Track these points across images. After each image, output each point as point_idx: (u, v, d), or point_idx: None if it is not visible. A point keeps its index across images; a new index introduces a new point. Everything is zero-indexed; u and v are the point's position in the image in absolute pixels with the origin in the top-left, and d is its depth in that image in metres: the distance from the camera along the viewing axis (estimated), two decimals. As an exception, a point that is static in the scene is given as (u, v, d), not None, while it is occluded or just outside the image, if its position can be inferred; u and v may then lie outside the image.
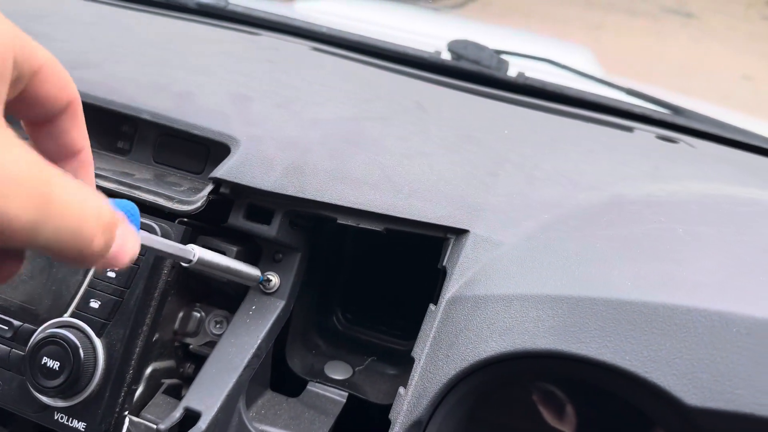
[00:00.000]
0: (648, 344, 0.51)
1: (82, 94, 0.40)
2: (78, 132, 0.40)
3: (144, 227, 0.67)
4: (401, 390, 0.60)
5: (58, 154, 0.40)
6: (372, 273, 0.94)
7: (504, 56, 1.16)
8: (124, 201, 0.41)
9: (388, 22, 1.52)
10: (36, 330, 0.66)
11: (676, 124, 1.04)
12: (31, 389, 0.64)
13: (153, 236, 0.50)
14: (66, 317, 0.67)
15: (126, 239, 0.35)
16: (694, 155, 0.91)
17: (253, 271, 0.70)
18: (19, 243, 0.28)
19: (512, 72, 1.11)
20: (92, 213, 0.31)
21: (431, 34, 1.27)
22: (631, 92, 1.15)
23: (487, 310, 0.59)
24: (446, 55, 1.16)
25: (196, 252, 0.56)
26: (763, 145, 1.01)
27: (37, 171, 0.29)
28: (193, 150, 0.77)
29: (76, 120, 0.39)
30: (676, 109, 1.09)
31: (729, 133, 1.03)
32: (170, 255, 0.52)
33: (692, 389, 0.48)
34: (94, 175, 0.42)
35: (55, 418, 0.66)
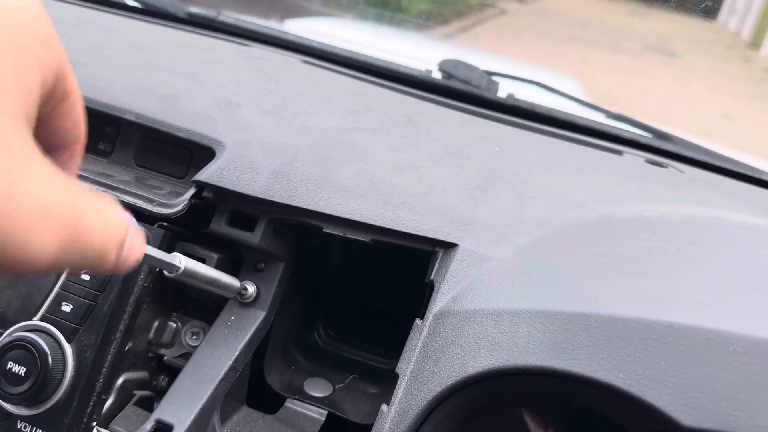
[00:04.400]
0: (642, 362, 0.49)
1: None
2: (74, 123, 0.37)
3: None
4: (384, 407, 0.57)
5: (51, 145, 0.37)
6: (356, 287, 0.92)
7: (494, 77, 1.15)
8: None
9: (380, 44, 1.52)
10: (2, 333, 0.63)
11: (665, 150, 1.04)
12: (-6, 396, 0.61)
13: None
14: (35, 320, 0.63)
15: (133, 244, 0.34)
16: (683, 180, 0.90)
17: (235, 283, 0.68)
18: (41, 271, 0.28)
19: (502, 93, 1.11)
20: (114, 232, 0.32)
21: (423, 57, 1.26)
22: (620, 117, 1.14)
23: (475, 325, 0.57)
24: (437, 74, 1.15)
25: (183, 261, 0.53)
26: (749, 173, 1.01)
27: (69, 201, 0.28)
28: (176, 154, 0.75)
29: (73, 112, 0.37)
30: (664, 136, 1.09)
31: (716, 161, 1.03)
32: (155, 262, 0.48)
33: (688, 409, 0.47)
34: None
35: (19, 427, 0.62)
